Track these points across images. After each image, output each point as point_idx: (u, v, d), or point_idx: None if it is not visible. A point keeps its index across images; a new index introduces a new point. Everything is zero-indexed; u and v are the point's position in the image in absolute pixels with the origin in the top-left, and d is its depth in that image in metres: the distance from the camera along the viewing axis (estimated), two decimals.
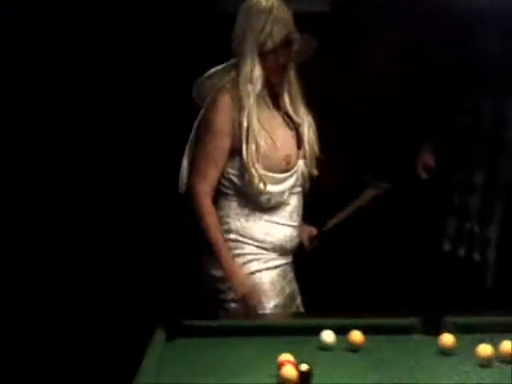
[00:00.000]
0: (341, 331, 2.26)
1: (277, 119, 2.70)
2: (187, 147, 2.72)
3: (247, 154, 2.57)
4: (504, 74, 3.38)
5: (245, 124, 2.57)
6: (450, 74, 3.49)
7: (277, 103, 2.72)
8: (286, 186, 2.67)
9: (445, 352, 2.18)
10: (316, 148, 2.76)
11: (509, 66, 3.35)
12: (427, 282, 3.45)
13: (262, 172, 2.60)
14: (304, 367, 1.96)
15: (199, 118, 2.71)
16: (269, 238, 2.67)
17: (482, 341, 2.13)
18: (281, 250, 2.70)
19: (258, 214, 2.65)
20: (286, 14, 2.63)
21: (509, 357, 2.10)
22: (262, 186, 2.60)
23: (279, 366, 2.01)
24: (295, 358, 2.03)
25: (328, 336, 2.25)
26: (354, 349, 2.23)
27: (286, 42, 2.60)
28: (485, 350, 2.09)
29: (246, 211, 2.65)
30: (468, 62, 3.44)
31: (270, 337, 2.31)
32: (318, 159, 2.78)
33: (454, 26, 3.57)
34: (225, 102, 2.60)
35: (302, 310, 2.80)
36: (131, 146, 3.91)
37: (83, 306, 3.77)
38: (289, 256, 2.76)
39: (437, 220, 3.52)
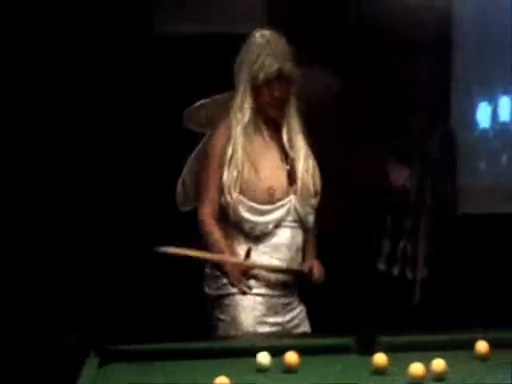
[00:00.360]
0: (277, 352, 2.26)
1: (269, 151, 2.74)
2: (185, 167, 2.86)
3: (226, 180, 2.67)
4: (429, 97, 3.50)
5: (229, 152, 2.67)
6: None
7: (277, 136, 2.77)
8: (270, 218, 2.71)
9: (378, 371, 2.20)
10: (311, 186, 2.76)
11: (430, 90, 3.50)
12: (363, 301, 3.49)
13: (240, 199, 2.67)
14: None
15: (201, 143, 2.83)
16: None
17: (414, 360, 2.14)
18: (264, 281, 2.73)
19: (244, 241, 2.73)
20: (282, 48, 2.69)
21: (440, 375, 2.13)
22: (231, 212, 2.68)
23: None
24: (231, 380, 2.03)
25: (264, 357, 2.25)
26: (290, 370, 2.23)
27: (281, 76, 2.66)
28: (417, 368, 2.11)
29: (235, 237, 2.73)
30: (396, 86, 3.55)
31: (206, 360, 2.30)
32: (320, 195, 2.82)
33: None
34: (220, 130, 2.73)
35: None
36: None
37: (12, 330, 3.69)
38: (279, 289, 2.76)
39: (371, 240, 3.59)
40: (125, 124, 3.94)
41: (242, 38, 3.86)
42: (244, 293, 2.71)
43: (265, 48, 2.66)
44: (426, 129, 3.54)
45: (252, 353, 2.26)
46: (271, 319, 2.75)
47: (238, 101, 2.70)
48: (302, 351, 2.28)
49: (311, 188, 2.76)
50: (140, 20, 3.95)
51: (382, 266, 3.51)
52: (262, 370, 2.23)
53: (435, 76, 3.61)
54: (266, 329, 2.72)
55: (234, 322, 2.68)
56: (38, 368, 3.41)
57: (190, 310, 3.72)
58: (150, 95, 3.95)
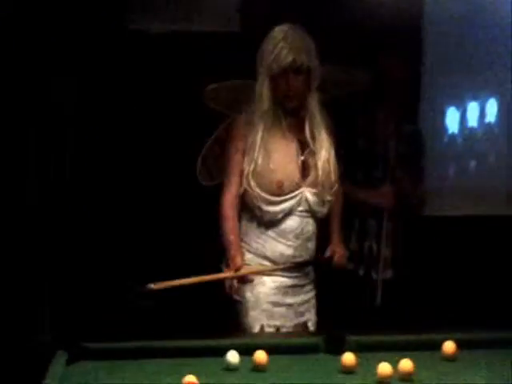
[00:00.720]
0: (246, 351, 2.26)
1: (285, 142, 2.82)
2: (204, 150, 3.09)
3: (245, 168, 2.79)
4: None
5: (249, 140, 2.78)
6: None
7: (297, 127, 2.84)
8: (278, 209, 2.82)
9: (347, 371, 2.21)
10: (332, 175, 2.84)
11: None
12: (331, 301, 3.50)
13: (256, 190, 2.79)
14: None
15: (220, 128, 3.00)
16: (262, 249, 2.85)
17: (382, 359, 2.16)
18: (273, 263, 2.84)
19: (255, 225, 2.86)
20: (299, 42, 2.77)
21: (407, 375, 2.15)
22: (247, 198, 2.81)
23: None
24: (200, 379, 2.02)
25: (233, 356, 2.25)
26: (259, 369, 2.24)
27: (297, 69, 2.73)
28: (384, 368, 2.13)
29: (248, 221, 2.87)
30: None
31: (175, 358, 2.29)
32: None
33: None
34: (241, 118, 2.85)
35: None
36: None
37: None
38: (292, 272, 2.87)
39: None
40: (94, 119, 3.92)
41: (211, 37, 3.93)
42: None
43: (281, 40, 2.76)
44: (392, 131, 3.55)
45: (221, 352, 2.26)
46: (284, 300, 2.87)
47: (257, 90, 2.80)
48: (271, 350, 2.28)
49: (332, 177, 2.85)
50: (111, 17, 3.93)
51: (349, 266, 3.51)
52: (230, 368, 2.23)
53: (404, 81, 3.60)
54: (281, 309, 2.86)
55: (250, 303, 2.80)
56: (5, 366, 3.37)
57: (158, 308, 3.73)
58: (125, 90, 3.93)
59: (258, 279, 2.83)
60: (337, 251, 2.98)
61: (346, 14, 3.88)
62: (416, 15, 4.02)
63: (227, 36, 4.00)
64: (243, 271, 2.77)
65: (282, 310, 2.87)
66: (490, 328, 2.54)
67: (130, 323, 3.43)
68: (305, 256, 2.88)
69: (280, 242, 2.85)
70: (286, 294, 2.88)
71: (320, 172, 2.81)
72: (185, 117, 3.94)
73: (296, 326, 2.89)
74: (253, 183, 2.77)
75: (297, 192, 2.82)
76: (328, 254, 2.98)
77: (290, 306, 2.88)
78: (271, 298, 2.85)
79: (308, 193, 2.83)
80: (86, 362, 2.25)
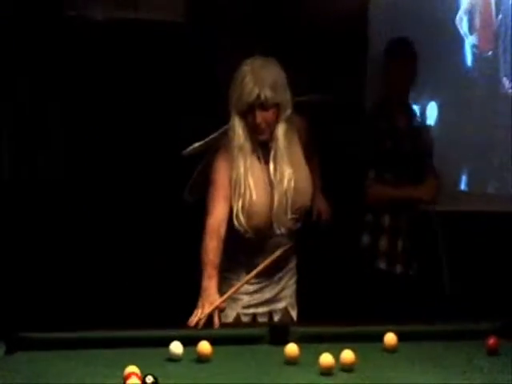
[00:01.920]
0: (190, 342, 2.25)
1: (261, 174, 2.81)
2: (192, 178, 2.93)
3: (233, 206, 2.76)
4: None
5: (233, 176, 2.77)
6: None
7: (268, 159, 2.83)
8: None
9: (290, 361, 2.23)
10: (288, 209, 2.80)
11: None
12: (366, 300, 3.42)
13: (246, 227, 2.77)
14: (149, 379, 1.94)
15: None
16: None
17: (325, 350, 2.17)
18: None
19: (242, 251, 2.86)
20: (265, 78, 2.72)
21: (349, 365, 2.17)
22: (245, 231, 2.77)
23: (125, 378, 1.98)
24: (142, 370, 2.00)
25: (176, 347, 2.23)
26: (203, 359, 2.23)
27: (263, 103, 2.71)
28: (326, 359, 2.14)
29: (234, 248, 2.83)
30: None
31: (117, 349, 2.27)
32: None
33: None
34: (220, 152, 2.80)
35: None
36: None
37: None
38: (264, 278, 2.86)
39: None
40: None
41: (155, 25, 3.89)
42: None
43: (246, 76, 2.73)
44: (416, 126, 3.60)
45: (164, 342, 2.24)
46: (260, 298, 2.87)
47: (230, 126, 2.78)
48: (215, 341, 2.28)
49: (288, 211, 2.81)
50: (51, 3, 3.85)
51: (382, 265, 3.49)
52: (174, 359, 2.22)
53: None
54: (257, 296, 2.87)
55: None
56: None
57: (99, 297, 3.70)
58: (68, 79, 3.87)
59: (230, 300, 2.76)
60: (322, 209, 3.01)
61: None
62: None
63: (173, 26, 3.98)
64: (217, 302, 2.57)
65: (259, 296, 2.87)
66: (428, 321, 2.60)
67: (69, 313, 3.40)
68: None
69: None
70: (263, 288, 2.88)
71: (275, 206, 2.79)
72: (126, 108, 3.92)
73: (275, 312, 2.89)
74: (242, 219, 2.75)
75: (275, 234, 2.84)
76: (314, 214, 2.99)
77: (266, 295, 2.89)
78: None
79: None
80: (24, 353, 2.21)
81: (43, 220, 3.81)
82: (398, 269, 3.51)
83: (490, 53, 4.21)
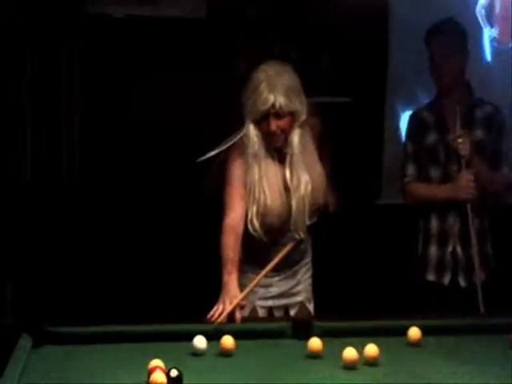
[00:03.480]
0: (213, 336, 2.28)
1: (276, 179, 2.80)
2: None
3: (248, 210, 2.77)
4: None
5: (248, 180, 2.77)
6: None
7: (284, 165, 2.82)
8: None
9: (313, 356, 2.23)
10: (305, 214, 2.81)
11: None
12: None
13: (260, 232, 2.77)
14: (173, 373, 1.95)
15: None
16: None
17: (348, 345, 2.17)
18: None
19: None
20: (279, 85, 2.70)
21: (372, 359, 2.17)
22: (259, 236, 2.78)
23: (149, 372, 1.99)
24: (166, 363, 2.02)
25: (200, 341, 2.24)
26: (226, 354, 2.24)
27: (278, 111, 2.70)
28: (350, 353, 2.14)
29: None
30: None
31: (142, 343, 2.28)
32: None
33: None
34: (235, 156, 2.79)
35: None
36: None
37: None
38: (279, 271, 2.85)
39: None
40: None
41: (174, 22, 3.90)
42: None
43: (261, 84, 2.71)
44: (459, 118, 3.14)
45: (188, 337, 2.26)
46: (276, 291, 2.87)
47: (245, 133, 2.78)
48: (238, 335, 2.29)
49: (306, 216, 2.82)
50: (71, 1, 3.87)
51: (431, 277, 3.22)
52: (198, 353, 2.23)
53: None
54: (274, 289, 2.87)
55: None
56: None
57: (125, 292, 3.72)
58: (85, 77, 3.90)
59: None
60: (329, 202, 2.95)
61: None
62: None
63: (192, 23, 3.99)
64: (237, 300, 2.57)
65: (275, 290, 2.88)
66: (452, 315, 2.59)
67: (97, 307, 3.43)
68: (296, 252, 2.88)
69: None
70: (279, 281, 2.89)
71: (293, 212, 2.80)
72: (145, 104, 3.93)
73: (291, 305, 2.90)
74: (257, 224, 2.76)
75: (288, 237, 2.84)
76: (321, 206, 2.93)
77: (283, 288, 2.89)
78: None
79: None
80: (50, 346, 2.23)
81: (65, 219, 3.84)
82: (446, 279, 3.20)
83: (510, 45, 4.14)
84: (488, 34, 4.12)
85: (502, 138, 3.24)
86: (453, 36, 3.19)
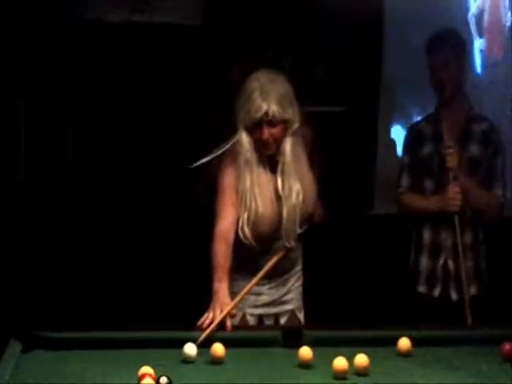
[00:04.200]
0: (203, 344, 2.27)
1: (268, 186, 2.80)
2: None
3: (240, 217, 2.76)
4: None
5: (240, 187, 2.77)
6: None
7: (275, 173, 2.83)
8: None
9: (303, 364, 2.23)
10: (296, 222, 2.81)
11: None
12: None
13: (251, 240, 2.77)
14: (163, 380, 1.95)
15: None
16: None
17: (338, 354, 2.17)
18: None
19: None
20: (272, 94, 2.71)
21: (362, 369, 2.17)
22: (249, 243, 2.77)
23: (139, 379, 1.99)
24: (156, 371, 2.01)
25: (190, 348, 2.24)
26: (217, 361, 2.24)
27: (270, 119, 2.71)
28: (340, 362, 2.14)
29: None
30: None
31: (131, 349, 2.28)
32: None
33: None
34: (227, 164, 2.80)
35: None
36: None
37: None
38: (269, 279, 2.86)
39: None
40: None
41: (170, 28, 3.92)
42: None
43: (254, 92, 2.71)
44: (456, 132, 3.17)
45: (178, 344, 2.25)
46: (266, 300, 2.88)
47: (237, 140, 2.78)
48: (228, 343, 2.28)
49: (296, 224, 2.83)
50: (67, 6, 3.88)
51: (422, 289, 3.22)
52: (188, 361, 2.22)
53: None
54: (264, 298, 2.87)
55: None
56: None
57: (116, 298, 3.71)
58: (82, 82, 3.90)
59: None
60: (315, 212, 2.95)
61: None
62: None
63: (188, 29, 4.00)
64: (227, 308, 2.54)
65: (265, 298, 2.88)
66: (442, 326, 2.59)
67: (86, 313, 3.42)
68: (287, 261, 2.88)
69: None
70: (269, 289, 2.89)
71: (284, 220, 2.80)
72: (139, 108, 3.94)
73: (281, 314, 2.90)
74: (248, 231, 2.76)
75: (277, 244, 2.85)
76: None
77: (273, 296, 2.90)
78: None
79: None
80: (39, 352, 2.23)
81: (58, 220, 3.83)
82: (436, 292, 3.20)
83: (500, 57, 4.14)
84: (478, 44, 4.14)
85: (497, 156, 3.23)
86: (453, 47, 3.19)
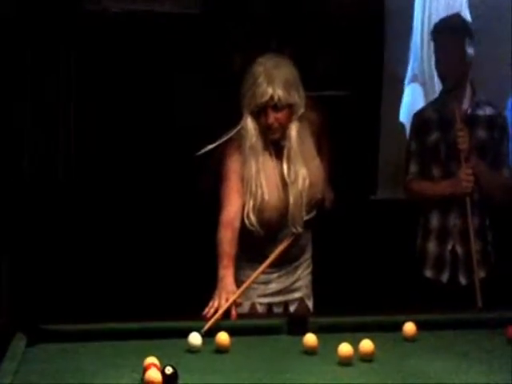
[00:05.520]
0: (209, 333, 2.27)
1: (273, 173, 2.79)
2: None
3: (245, 205, 2.76)
4: None
5: (245, 174, 2.76)
6: None
7: (281, 158, 2.82)
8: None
9: (309, 352, 2.23)
10: (303, 208, 2.80)
11: None
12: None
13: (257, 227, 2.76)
14: (168, 370, 1.95)
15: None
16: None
17: (343, 340, 2.17)
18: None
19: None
20: (277, 78, 2.70)
21: (368, 355, 2.17)
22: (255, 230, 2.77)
23: (144, 369, 1.99)
24: (162, 361, 2.02)
25: (194, 338, 2.24)
26: (222, 350, 2.24)
27: (276, 104, 2.70)
28: (345, 349, 2.14)
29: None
30: None
31: (136, 340, 2.28)
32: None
33: None
34: (231, 150, 2.79)
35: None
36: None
37: None
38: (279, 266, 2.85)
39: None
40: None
41: (169, 16, 3.90)
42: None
43: (259, 76, 2.70)
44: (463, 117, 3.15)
45: (183, 333, 2.25)
46: (275, 288, 2.87)
47: (242, 125, 2.77)
48: (233, 332, 2.28)
49: (303, 210, 2.82)
50: None
51: (429, 273, 3.22)
52: (192, 350, 2.22)
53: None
54: (273, 286, 2.87)
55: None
56: None
57: (120, 290, 3.72)
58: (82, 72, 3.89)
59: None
60: (325, 197, 2.95)
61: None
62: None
63: (187, 18, 3.98)
64: (233, 297, 2.54)
65: (275, 286, 2.87)
66: (448, 310, 2.59)
67: (90, 305, 3.43)
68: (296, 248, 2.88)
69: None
70: (278, 278, 2.88)
71: (291, 206, 2.79)
72: (141, 101, 3.93)
73: (291, 302, 2.90)
74: (253, 218, 2.75)
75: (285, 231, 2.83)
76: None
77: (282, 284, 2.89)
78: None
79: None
80: (45, 345, 2.23)
81: (62, 215, 3.84)
82: (444, 277, 3.19)
83: None
84: None
85: (503, 140, 3.24)
86: (458, 33, 3.18)
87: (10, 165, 3.77)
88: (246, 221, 2.75)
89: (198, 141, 2.82)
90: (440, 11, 3.94)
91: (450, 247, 3.20)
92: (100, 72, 3.91)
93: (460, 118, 3.14)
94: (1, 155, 3.74)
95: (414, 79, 4.03)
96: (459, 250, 3.18)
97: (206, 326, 2.35)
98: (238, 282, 2.65)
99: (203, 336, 2.28)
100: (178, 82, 3.97)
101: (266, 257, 2.77)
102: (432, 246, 3.22)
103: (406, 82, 4.03)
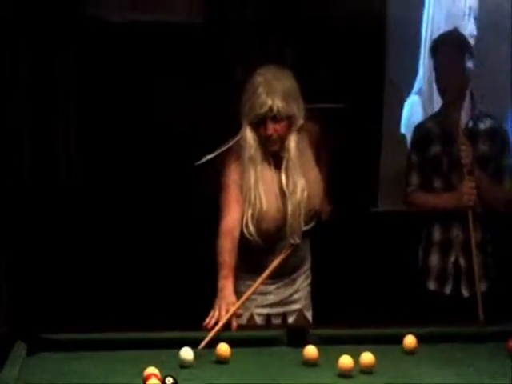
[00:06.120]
0: (209, 344, 2.28)
1: (272, 184, 2.79)
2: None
3: (244, 214, 2.76)
4: None
5: (244, 185, 2.77)
6: None
7: (280, 169, 2.82)
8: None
9: (309, 363, 2.23)
10: (301, 219, 2.80)
11: None
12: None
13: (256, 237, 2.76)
14: (169, 380, 1.95)
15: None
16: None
17: (344, 352, 2.17)
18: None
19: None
20: (277, 89, 2.70)
21: (368, 367, 2.17)
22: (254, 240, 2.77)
23: (144, 379, 1.99)
24: (162, 371, 2.01)
25: (186, 353, 2.21)
26: (222, 361, 2.24)
27: (275, 115, 2.70)
28: (346, 361, 2.14)
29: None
30: None
31: (136, 350, 2.28)
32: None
33: None
34: (230, 160, 2.80)
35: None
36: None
37: None
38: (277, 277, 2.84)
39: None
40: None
41: (175, 27, 3.91)
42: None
43: (259, 87, 2.71)
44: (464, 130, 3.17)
45: (183, 344, 2.24)
46: (274, 299, 2.87)
47: (241, 136, 2.77)
48: (233, 343, 2.28)
49: (301, 221, 2.82)
50: (67, 4, 3.87)
51: (432, 286, 3.23)
52: (185, 365, 2.19)
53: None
54: (271, 297, 2.87)
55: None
56: None
57: (121, 299, 3.71)
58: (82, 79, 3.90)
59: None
60: (323, 210, 2.95)
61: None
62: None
63: (190, 28, 3.99)
64: (233, 309, 2.53)
65: (273, 298, 2.88)
66: (448, 323, 2.59)
67: (90, 314, 3.42)
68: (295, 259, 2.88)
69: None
70: (277, 289, 2.88)
71: (289, 217, 2.79)
72: (142, 109, 3.93)
73: (289, 313, 2.90)
74: (252, 228, 2.75)
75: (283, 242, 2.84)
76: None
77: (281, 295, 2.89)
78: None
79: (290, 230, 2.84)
80: (45, 354, 2.23)
81: (62, 222, 3.83)
82: (447, 290, 3.21)
83: None
84: None
85: (504, 153, 3.26)
86: (457, 47, 3.21)
87: (9, 167, 3.77)
88: (245, 230, 2.75)
89: (197, 150, 2.82)
90: (442, 23, 3.96)
91: (452, 259, 3.21)
92: (102, 75, 3.91)
93: (462, 131, 3.17)
94: (0, 156, 3.74)
95: (419, 91, 4.04)
96: (462, 262, 3.19)
97: (205, 340, 2.34)
98: (238, 294, 2.65)
99: (202, 348, 2.27)
100: (178, 91, 3.98)
101: (265, 268, 2.77)
102: (435, 259, 3.24)
103: (413, 93, 4.04)
